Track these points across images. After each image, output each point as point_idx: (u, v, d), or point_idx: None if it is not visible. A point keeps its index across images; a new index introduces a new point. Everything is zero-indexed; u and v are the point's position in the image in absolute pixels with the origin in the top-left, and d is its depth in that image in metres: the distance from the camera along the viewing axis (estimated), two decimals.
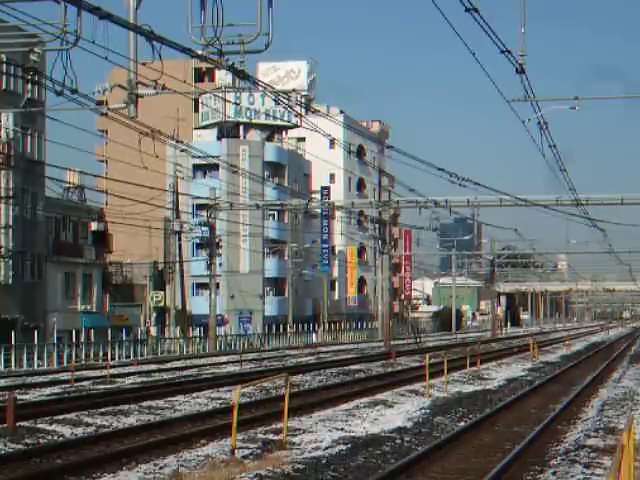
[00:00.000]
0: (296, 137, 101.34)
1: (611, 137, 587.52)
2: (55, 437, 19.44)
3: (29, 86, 51.07)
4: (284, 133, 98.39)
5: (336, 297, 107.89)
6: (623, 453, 9.51)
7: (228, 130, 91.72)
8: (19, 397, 23.42)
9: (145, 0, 28.04)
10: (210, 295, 66.09)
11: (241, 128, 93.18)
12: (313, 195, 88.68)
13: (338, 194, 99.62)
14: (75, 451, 17.66)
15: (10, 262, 58.06)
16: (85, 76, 27.81)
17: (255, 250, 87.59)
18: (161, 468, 15.70)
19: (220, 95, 69.28)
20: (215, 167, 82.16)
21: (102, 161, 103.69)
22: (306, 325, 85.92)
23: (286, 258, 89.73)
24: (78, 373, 36.62)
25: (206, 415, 23.21)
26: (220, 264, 74.20)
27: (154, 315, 70.13)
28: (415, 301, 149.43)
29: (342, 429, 20.39)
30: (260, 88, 35.45)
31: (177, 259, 72.74)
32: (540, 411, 24.88)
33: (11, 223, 57.84)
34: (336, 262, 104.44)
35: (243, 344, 66.98)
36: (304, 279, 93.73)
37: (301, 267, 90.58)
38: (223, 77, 78.49)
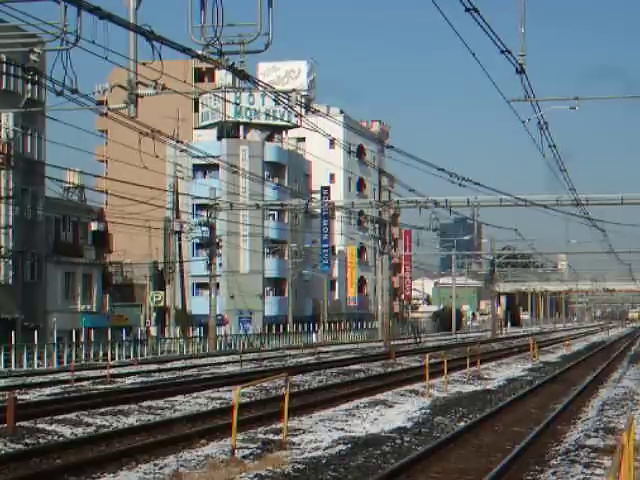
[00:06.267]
0: (296, 137, 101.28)
1: (611, 137, 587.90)
2: (55, 437, 19.43)
3: (29, 86, 51.00)
4: (284, 133, 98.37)
5: (336, 297, 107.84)
6: (623, 453, 9.50)
7: (228, 130, 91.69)
8: (19, 397, 23.41)
9: (145, 0, 28.11)
10: (210, 295, 66.09)
11: (241, 128, 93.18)
12: (313, 195, 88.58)
13: (338, 194, 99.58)
14: (75, 451, 17.66)
15: (10, 262, 58.07)
16: (85, 76, 27.78)
17: (255, 250, 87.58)
18: (161, 468, 15.71)
19: (220, 95, 69.25)
20: (215, 167, 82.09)
21: (102, 161, 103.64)
22: (306, 325, 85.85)
23: (286, 258, 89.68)
24: (78, 373, 36.60)
25: (206, 415, 23.20)
26: (220, 264, 74.18)
27: (154, 315, 69.98)
28: (415, 301, 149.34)
29: (342, 429, 20.39)
30: (260, 88, 35.45)
31: (177, 259, 72.73)
32: (540, 411, 24.87)
33: (11, 223, 57.83)
34: (336, 262, 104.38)
35: (243, 344, 66.91)
36: (304, 279, 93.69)
37: (301, 267, 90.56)
38: (223, 77, 78.34)
